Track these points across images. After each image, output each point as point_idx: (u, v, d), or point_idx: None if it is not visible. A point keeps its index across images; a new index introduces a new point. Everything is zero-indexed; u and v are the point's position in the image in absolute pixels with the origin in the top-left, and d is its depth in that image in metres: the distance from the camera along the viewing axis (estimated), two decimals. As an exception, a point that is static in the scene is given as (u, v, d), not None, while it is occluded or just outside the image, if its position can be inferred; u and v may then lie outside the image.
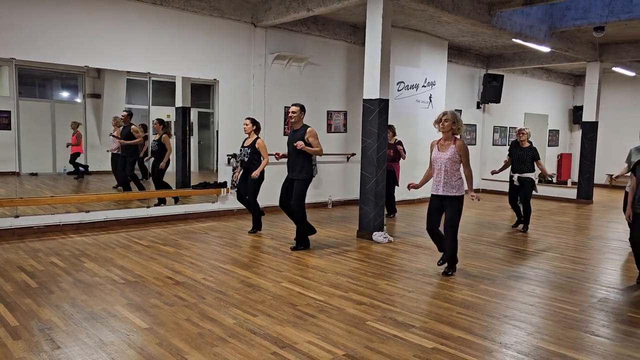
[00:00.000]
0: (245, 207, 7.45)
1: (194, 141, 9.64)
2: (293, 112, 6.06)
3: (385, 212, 8.87)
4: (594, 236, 7.91)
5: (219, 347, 3.40)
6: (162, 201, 8.19)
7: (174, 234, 6.97)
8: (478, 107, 13.53)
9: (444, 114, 5.10)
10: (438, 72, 11.10)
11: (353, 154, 10.26)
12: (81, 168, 8.75)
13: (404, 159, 8.87)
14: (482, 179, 13.77)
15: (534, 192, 7.88)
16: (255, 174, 6.81)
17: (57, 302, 4.18)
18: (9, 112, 7.45)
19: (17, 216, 6.76)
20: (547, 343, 3.63)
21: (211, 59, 8.29)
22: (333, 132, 10.16)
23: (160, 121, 8.25)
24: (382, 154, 7.03)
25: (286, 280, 5.01)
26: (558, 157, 16.83)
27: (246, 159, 7.00)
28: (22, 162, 8.39)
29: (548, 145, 16.38)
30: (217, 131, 8.85)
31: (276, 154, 6.92)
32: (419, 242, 7.03)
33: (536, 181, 7.99)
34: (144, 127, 8.74)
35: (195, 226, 7.68)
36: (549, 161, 16.39)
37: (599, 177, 14.21)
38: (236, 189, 7.32)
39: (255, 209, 7.21)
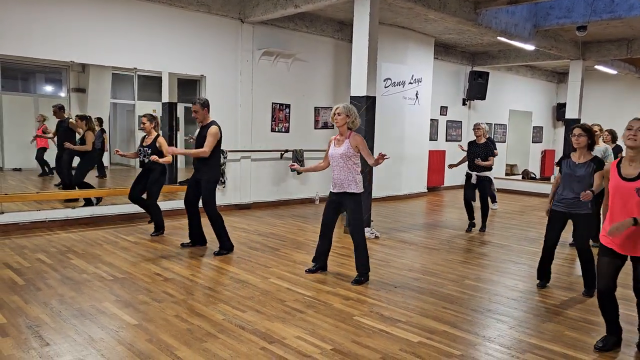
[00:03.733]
0: (142, 209, 6.99)
1: (180, 136, 9.63)
2: (195, 111, 5.63)
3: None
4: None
5: (208, 343, 3.44)
6: (88, 202, 7.68)
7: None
8: (464, 103, 13.66)
9: (337, 107, 4.82)
10: (424, 69, 11.20)
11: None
12: (46, 168, 8.65)
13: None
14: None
15: (493, 191, 7.67)
16: (155, 158, 6.16)
17: (45, 299, 4.18)
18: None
19: (1, 212, 6.70)
20: (529, 336, 3.73)
21: (198, 55, 8.27)
22: (321, 128, 10.20)
23: (82, 117, 7.79)
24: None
25: (274, 276, 5.06)
26: (542, 153, 17.08)
27: (147, 160, 6.43)
28: (5, 158, 8.30)
29: (532, 142, 16.61)
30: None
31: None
32: (406, 237, 7.12)
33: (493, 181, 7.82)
34: (99, 121, 8.45)
35: (183, 222, 7.65)
36: (533, 157, 16.64)
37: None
38: (130, 190, 6.73)
39: (155, 210, 6.73)
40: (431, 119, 12.12)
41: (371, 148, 7.17)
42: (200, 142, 5.67)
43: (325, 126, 10.27)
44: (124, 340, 3.44)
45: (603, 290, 3.46)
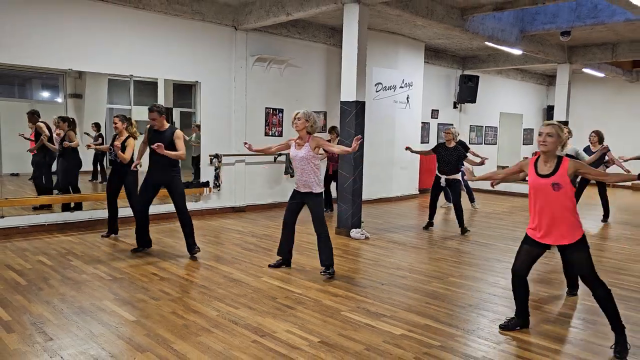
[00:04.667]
0: (109, 212, 6.89)
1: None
2: (153, 119, 5.72)
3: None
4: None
5: (203, 337, 3.65)
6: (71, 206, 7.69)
7: (158, 233, 7.15)
8: (455, 107, 13.92)
9: (297, 112, 5.17)
10: (415, 73, 11.45)
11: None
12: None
13: None
14: (459, 177, 14.16)
15: (463, 192, 7.76)
16: (120, 155, 6.30)
17: (47, 298, 4.38)
18: (-13, 112, 7.55)
19: (2, 216, 6.89)
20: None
21: (193, 62, 8.49)
22: (313, 132, 10.42)
23: (63, 119, 7.69)
24: (359, 155, 7.32)
25: (267, 275, 5.27)
26: (533, 154, 17.35)
27: (118, 160, 6.47)
28: (3, 163, 8.47)
29: (523, 144, 16.88)
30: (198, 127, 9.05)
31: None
32: (395, 238, 7.34)
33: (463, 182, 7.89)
34: (97, 126, 8.40)
35: (178, 225, 7.85)
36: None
37: (571, 174, 14.71)
38: (106, 191, 6.80)
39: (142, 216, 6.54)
40: (422, 122, 12.38)
41: (362, 151, 7.40)
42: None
43: (319, 130, 10.48)
44: (123, 335, 3.65)
45: (517, 272, 3.84)
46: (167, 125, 5.81)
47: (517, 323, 3.93)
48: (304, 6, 7.60)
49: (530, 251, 3.78)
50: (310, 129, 5.15)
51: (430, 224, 8.03)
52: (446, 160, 7.61)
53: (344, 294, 4.69)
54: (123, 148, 6.43)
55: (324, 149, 5.26)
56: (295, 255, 6.10)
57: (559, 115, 12.45)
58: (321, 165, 5.31)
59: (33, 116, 7.80)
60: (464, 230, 7.70)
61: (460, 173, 7.68)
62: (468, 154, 8.21)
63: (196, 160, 9.25)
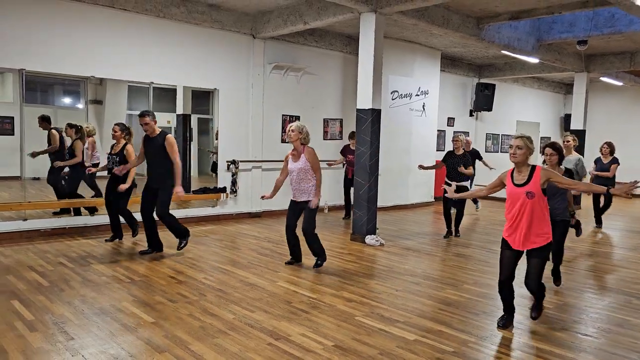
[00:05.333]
0: (110, 216, 6.88)
1: (193, 147, 9.96)
2: (146, 123, 5.88)
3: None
4: (576, 240, 8.24)
5: (219, 339, 3.73)
6: (76, 211, 7.72)
7: (174, 237, 7.25)
8: (471, 115, 13.90)
9: (290, 126, 5.55)
10: (431, 82, 11.48)
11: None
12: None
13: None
14: (475, 185, 14.10)
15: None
16: (123, 187, 6.48)
17: (68, 299, 4.50)
18: (12, 117, 7.76)
19: (25, 219, 7.07)
20: (520, 336, 3.97)
21: (212, 69, 8.65)
22: (329, 139, 10.51)
23: (71, 125, 7.83)
24: (374, 162, 7.38)
25: (282, 279, 5.34)
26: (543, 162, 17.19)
27: (115, 167, 6.54)
28: (25, 167, 8.69)
29: (540, 153, 16.73)
30: (216, 134, 9.18)
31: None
32: (409, 245, 7.36)
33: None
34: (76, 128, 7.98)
35: (196, 229, 8.00)
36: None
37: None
38: (104, 198, 6.83)
39: (126, 214, 6.81)
40: (438, 130, 12.38)
41: (378, 159, 7.46)
42: (154, 152, 5.92)
43: (334, 137, 10.58)
44: (142, 336, 3.74)
45: (505, 281, 4.01)
46: (158, 130, 5.95)
47: (510, 318, 4.15)
48: (321, 15, 7.71)
49: (510, 256, 3.99)
50: (303, 140, 5.56)
51: (450, 232, 8.01)
52: (453, 167, 7.67)
53: (358, 299, 4.74)
54: (122, 157, 6.57)
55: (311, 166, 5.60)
56: (310, 261, 6.17)
57: (576, 124, 12.36)
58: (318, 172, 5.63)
59: (43, 121, 7.82)
60: (456, 234, 8.01)
61: (468, 181, 7.81)
62: (480, 162, 8.19)
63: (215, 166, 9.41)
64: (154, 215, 6.11)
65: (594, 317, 4.49)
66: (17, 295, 4.54)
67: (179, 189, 5.95)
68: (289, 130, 5.54)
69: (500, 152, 14.87)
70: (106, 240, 6.88)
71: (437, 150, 12.34)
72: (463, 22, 8.40)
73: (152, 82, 8.17)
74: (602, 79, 12.95)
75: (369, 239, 7.30)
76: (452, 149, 7.90)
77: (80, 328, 3.86)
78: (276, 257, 6.33)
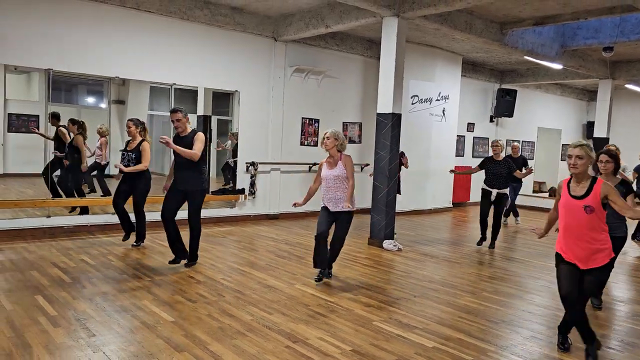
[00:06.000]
0: (120, 217, 6.59)
1: (212, 147, 10.05)
2: (177, 120, 5.48)
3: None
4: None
5: (237, 340, 3.75)
6: (84, 210, 7.69)
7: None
8: (491, 120, 13.77)
9: (325, 133, 5.25)
10: (452, 87, 11.41)
11: (367, 165, 10.58)
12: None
13: (406, 168, 8.55)
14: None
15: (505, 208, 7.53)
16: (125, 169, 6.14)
17: (90, 296, 4.57)
18: (37, 116, 7.91)
19: (48, 216, 7.20)
20: (541, 346, 3.92)
21: (233, 71, 8.72)
22: (348, 143, 10.46)
23: (73, 121, 7.73)
24: (393, 166, 7.36)
25: (300, 282, 5.35)
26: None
27: (131, 165, 6.27)
28: (50, 165, 8.86)
29: (561, 160, 16.52)
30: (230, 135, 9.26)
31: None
32: (427, 250, 7.32)
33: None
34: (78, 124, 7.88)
35: (215, 230, 8.07)
36: (562, 175, 16.52)
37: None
38: (113, 198, 6.52)
39: (141, 218, 6.53)
40: (458, 135, 12.28)
41: (398, 163, 7.45)
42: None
43: (353, 141, 10.57)
44: (162, 334, 3.78)
45: (568, 296, 3.63)
46: (189, 129, 5.59)
47: (594, 346, 3.68)
48: (343, 19, 7.72)
49: (567, 268, 3.65)
50: (340, 147, 5.26)
51: (483, 239, 7.74)
52: (496, 173, 7.39)
53: (376, 304, 4.72)
54: (138, 154, 6.27)
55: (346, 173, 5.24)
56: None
57: (599, 132, 12.16)
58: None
59: (53, 118, 7.66)
60: (492, 245, 7.60)
61: (508, 188, 7.57)
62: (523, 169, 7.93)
63: (227, 167, 9.46)
64: (173, 221, 5.63)
65: (618, 330, 4.41)
66: (41, 291, 4.63)
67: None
68: (324, 138, 5.23)
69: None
70: (123, 240, 6.66)
71: (456, 156, 12.25)
72: (486, 27, 8.33)
73: (174, 83, 8.26)
74: (627, 86, 12.72)
75: (386, 243, 7.27)
76: (491, 155, 7.66)
77: (101, 325, 3.91)
78: (294, 260, 6.34)
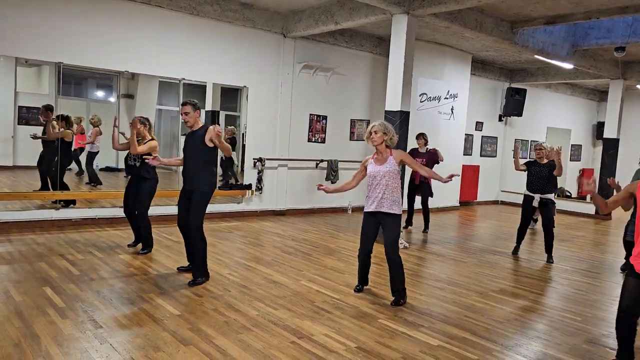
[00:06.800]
0: (131, 222, 6.23)
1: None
2: (186, 113, 5.00)
3: (405, 225, 8.77)
4: (608, 251, 8.07)
5: (243, 335, 3.77)
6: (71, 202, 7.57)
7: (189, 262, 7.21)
8: (500, 119, 13.70)
9: (372, 126, 4.64)
10: (461, 85, 11.36)
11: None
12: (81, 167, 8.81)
13: (442, 160, 8.48)
14: (502, 191, 13.95)
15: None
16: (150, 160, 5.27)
17: (98, 288, 4.61)
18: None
19: (57, 208, 7.26)
20: (546, 347, 3.90)
21: (242, 67, 8.73)
22: (356, 140, 10.50)
23: (60, 117, 7.40)
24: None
25: (305, 278, 5.36)
26: (580, 172, 16.84)
27: (137, 164, 5.83)
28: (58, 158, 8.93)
29: (570, 160, 16.41)
30: (244, 134, 9.26)
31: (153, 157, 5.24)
32: (434, 249, 7.30)
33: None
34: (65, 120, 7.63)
35: (221, 225, 8.10)
36: (570, 175, 16.43)
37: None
38: (123, 202, 6.10)
39: (146, 224, 6.00)
40: (466, 134, 12.24)
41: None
42: (192, 147, 5.02)
43: (361, 138, 10.56)
44: (168, 328, 3.81)
45: (625, 310, 3.39)
46: (201, 124, 5.09)
47: None
48: (352, 16, 7.70)
49: (635, 285, 3.28)
50: (389, 142, 4.65)
51: (518, 248, 7.35)
52: (538, 175, 6.90)
53: (382, 302, 4.72)
54: (147, 154, 5.62)
55: (410, 167, 4.84)
56: (333, 261, 6.19)
57: (609, 133, 12.08)
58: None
59: (47, 111, 7.52)
60: (550, 259, 6.92)
61: (553, 193, 6.99)
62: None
63: (228, 162, 9.47)
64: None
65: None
66: (49, 282, 4.67)
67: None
68: (370, 132, 4.62)
69: (529, 158, 14.60)
70: (128, 246, 6.20)
71: (464, 155, 12.21)
72: (497, 26, 8.28)
73: (183, 78, 8.28)
74: (638, 86, 12.61)
75: (393, 241, 7.25)
76: (533, 159, 7.19)
77: (108, 317, 3.94)
78: (300, 256, 6.36)
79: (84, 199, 7.84)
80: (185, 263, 5.41)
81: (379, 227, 4.76)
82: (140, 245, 6.13)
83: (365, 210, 4.79)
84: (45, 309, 4.01)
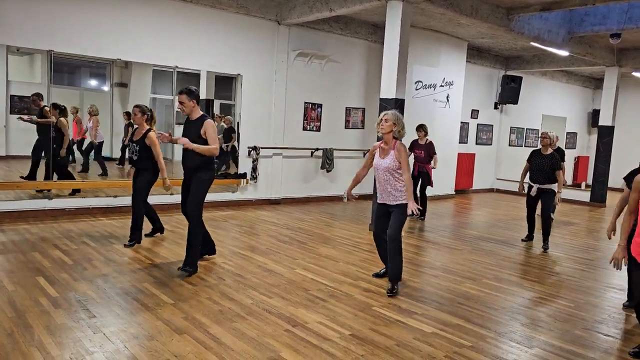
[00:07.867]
0: (147, 217, 6.15)
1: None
2: (181, 102, 4.86)
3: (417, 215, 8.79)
4: (602, 239, 8.10)
5: (237, 323, 3.76)
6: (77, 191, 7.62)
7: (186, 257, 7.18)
8: (495, 107, 13.68)
9: (385, 114, 4.66)
10: (456, 73, 11.31)
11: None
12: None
13: (434, 168, 8.61)
14: (497, 179, 13.97)
15: (555, 205, 7.00)
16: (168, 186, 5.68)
17: (91, 278, 4.59)
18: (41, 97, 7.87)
19: (50, 198, 7.22)
20: (539, 333, 3.92)
21: (236, 55, 8.65)
22: (351, 128, 10.46)
23: (54, 105, 7.37)
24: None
25: (300, 267, 5.36)
26: (575, 159, 16.88)
27: (135, 157, 5.77)
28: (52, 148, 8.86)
29: (565, 148, 16.40)
30: (238, 123, 9.21)
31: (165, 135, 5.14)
32: (429, 237, 7.32)
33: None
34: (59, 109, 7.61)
35: (216, 214, 8.08)
36: (566, 163, 16.41)
37: (615, 180, 14.24)
38: (132, 197, 5.96)
39: (140, 215, 5.88)
40: (462, 122, 12.21)
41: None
42: (189, 138, 4.87)
43: (355, 126, 10.52)
44: (162, 317, 3.80)
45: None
46: (199, 113, 4.96)
47: None
48: (347, 3, 7.63)
49: None
50: (397, 134, 4.64)
51: (530, 236, 7.38)
52: (539, 167, 6.84)
53: (376, 290, 4.73)
54: (143, 146, 5.70)
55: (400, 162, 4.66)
56: (327, 249, 6.19)
57: (604, 120, 12.07)
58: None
59: (38, 98, 7.38)
60: (545, 245, 6.95)
61: (555, 184, 6.85)
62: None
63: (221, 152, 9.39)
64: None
65: (617, 318, 4.41)
66: (42, 272, 4.65)
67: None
68: (382, 120, 4.63)
69: (525, 146, 14.63)
70: (146, 235, 6.15)
71: (459, 143, 12.19)
72: (492, 12, 8.23)
73: (177, 67, 8.21)
74: (634, 74, 12.59)
75: (388, 229, 7.25)
76: (538, 148, 7.09)
77: (101, 306, 3.93)
78: (295, 245, 6.35)
79: (94, 187, 7.87)
80: (182, 254, 5.36)
81: (389, 214, 4.76)
82: (158, 234, 6.35)
83: (377, 201, 4.85)
84: (38, 299, 3.99)
